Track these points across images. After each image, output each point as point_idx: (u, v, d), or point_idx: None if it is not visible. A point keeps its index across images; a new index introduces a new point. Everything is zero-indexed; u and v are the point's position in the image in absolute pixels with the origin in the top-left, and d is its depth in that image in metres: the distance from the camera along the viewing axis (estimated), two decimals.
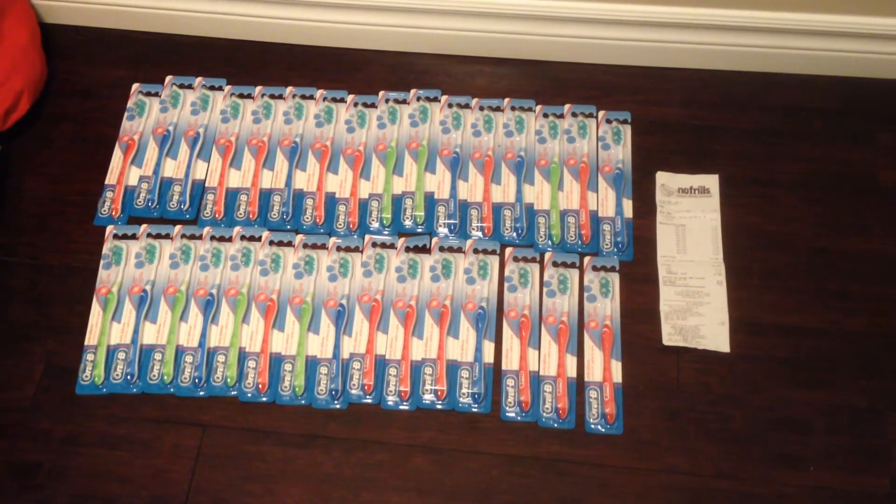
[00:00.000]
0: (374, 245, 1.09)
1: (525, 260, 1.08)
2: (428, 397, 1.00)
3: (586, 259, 1.08)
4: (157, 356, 1.03)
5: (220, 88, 1.21)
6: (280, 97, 1.20)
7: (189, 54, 1.25)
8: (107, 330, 1.04)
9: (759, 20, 1.13)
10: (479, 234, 1.10)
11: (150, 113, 1.19)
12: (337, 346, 1.03)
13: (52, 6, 1.25)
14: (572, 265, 1.08)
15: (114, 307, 1.06)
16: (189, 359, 1.03)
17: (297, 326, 1.04)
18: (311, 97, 1.20)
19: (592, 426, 0.99)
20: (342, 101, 1.20)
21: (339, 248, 1.09)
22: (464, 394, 1.00)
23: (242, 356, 1.03)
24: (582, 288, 1.06)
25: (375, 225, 1.11)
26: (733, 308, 1.05)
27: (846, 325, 1.04)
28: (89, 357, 1.03)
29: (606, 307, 1.05)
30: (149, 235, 1.10)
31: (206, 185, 1.14)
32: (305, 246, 1.09)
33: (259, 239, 1.10)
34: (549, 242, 1.09)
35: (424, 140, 1.16)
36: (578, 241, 1.09)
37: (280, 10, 1.21)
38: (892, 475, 0.96)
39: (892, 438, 0.98)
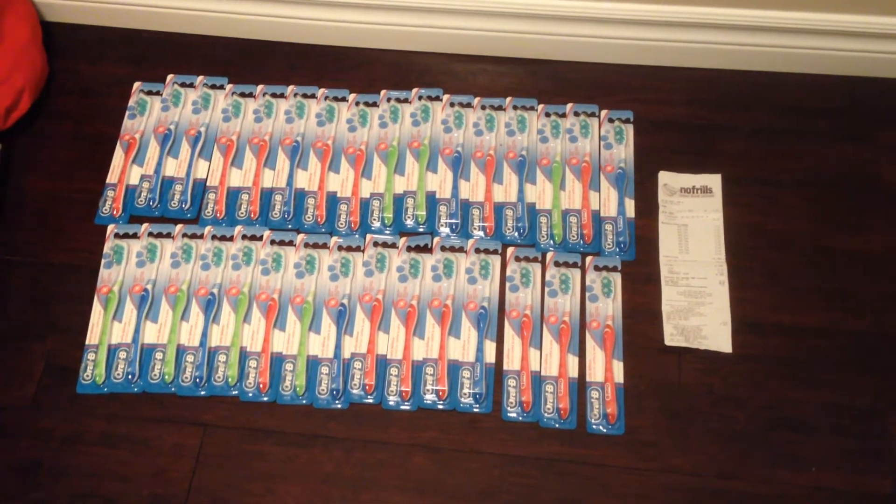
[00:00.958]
0: (376, 244, 1.09)
1: (527, 260, 1.08)
2: (429, 397, 1.00)
3: (588, 259, 1.08)
4: (158, 355, 1.03)
5: (222, 87, 1.21)
6: (281, 96, 1.20)
7: (190, 53, 1.25)
8: (108, 329, 1.04)
9: (762, 19, 1.13)
10: (481, 233, 1.10)
11: (151, 112, 1.19)
12: (338, 346, 1.03)
13: (54, 4, 1.25)
14: (574, 265, 1.07)
15: (115, 306, 1.05)
16: (190, 358, 1.03)
17: (298, 326, 1.04)
18: (313, 96, 1.20)
19: (594, 426, 0.99)
20: (344, 99, 1.20)
21: (340, 248, 1.09)
22: (465, 394, 1.00)
23: (243, 356, 1.03)
24: (584, 288, 1.06)
25: (377, 224, 1.11)
26: (735, 308, 1.04)
27: (848, 324, 1.04)
28: (90, 356, 1.03)
29: (608, 307, 1.05)
30: (150, 234, 1.10)
31: (208, 184, 1.14)
32: (307, 245, 1.09)
33: (260, 238, 1.10)
34: (551, 242, 1.09)
35: (426, 139, 1.16)
36: (580, 241, 1.09)
37: (282, 8, 1.21)
38: (894, 475, 0.96)
39: (894, 438, 0.98)
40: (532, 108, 1.18)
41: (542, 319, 1.04)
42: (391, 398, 1.00)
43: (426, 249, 1.09)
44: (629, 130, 1.16)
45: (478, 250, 1.08)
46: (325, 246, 1.09)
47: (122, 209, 1.12)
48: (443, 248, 1.09)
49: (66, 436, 1.00)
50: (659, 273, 1.07)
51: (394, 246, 1.09)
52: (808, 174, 1.13)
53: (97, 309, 1.06)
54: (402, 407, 1.00)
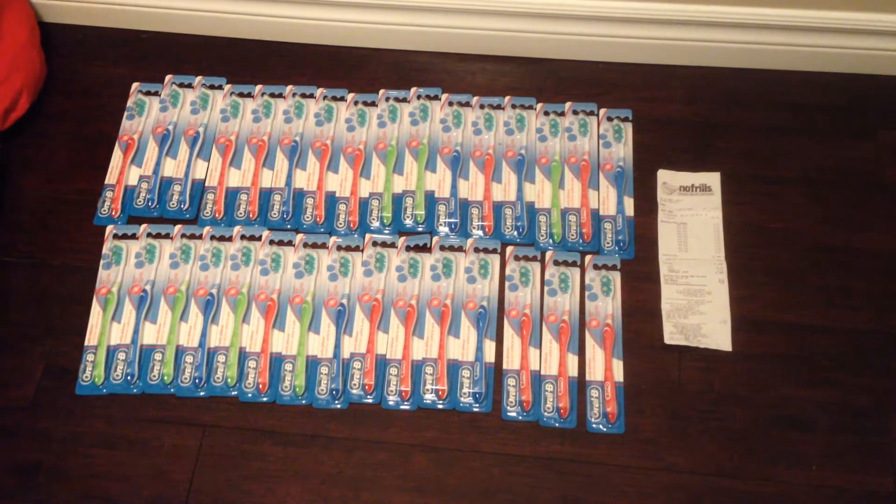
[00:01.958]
0: (375, 244, 1.09)
1: (526, 259, 1.08)
2: (429, 397, 1.00)
3: (587, 257, 1.08)
4: (158, 356, 1.03)
5: (220, 87, 1.21)
6: (280, 96, 1.20)
7: (189, 53, 1.25)
8: (107, 330, 1.04)
9: (762, 17, 1.13)
10: (480, 232, 1.10)
11: (149, 112, 1.19)
12: (337, 346, 1.03)
13: (52, 5, 1.25)
14: (573, 264, 1.07)
15: (114, 307, 1.05)
16: (189, 359, 1.02)
17: (297, 326, 1.04)
18: (312, 96, 1.20)
19: (594, 425, 0.98)
20: (342, 99, 1.19)
21: (339, 248, 1.09)
22: (465, 393, 1.00)
23: (243, 356, 1.03)
24: (583, 287, 1.06)
25: (376, 224, 1.11)
26: (735, 306, 1.04)
27: (849, 322, 1.04)
28: (89, 357, 1.03)
29: (608, 306, 1.05)
30: (149, 235, 1.10)
31: (206, 184, 1.14)
32: (306, 245, 1.09)
33: (259, 238, 1.10)
34: (550, 241, 1.09)
35: (425, 138, 1.16)
36: (579, 240, 1.09)
37: (280, 8, 1.21)
38: (895, 473, 0.96)
39: (894, 436, 0.97)
40: (531, 107, 1.18)
41: (542, 318, 1.04)
42: (391, 398, 1.00)
43: (425, 249, 1.09)
44: (628, 129, 1.16)
45: (477, 249, 1.08)
46: (324, 246, 1.09)
47: (120, 210, 1.12)
48: (442, 248, 1.09)
49: (66, 437, 1.00)
50: (658, 271, 1.07)
51: (393, 245, 1.09)
52: (807, 172, 1.13)
53: (96, 310, 1.06)
54: (402, 407, 1.00)
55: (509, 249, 1.09)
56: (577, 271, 1.07)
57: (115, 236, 1.10)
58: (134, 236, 1.10)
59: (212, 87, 1.21)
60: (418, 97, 1.19)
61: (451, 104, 1.18)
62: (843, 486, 0.95)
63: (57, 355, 1.04)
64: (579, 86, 1.20)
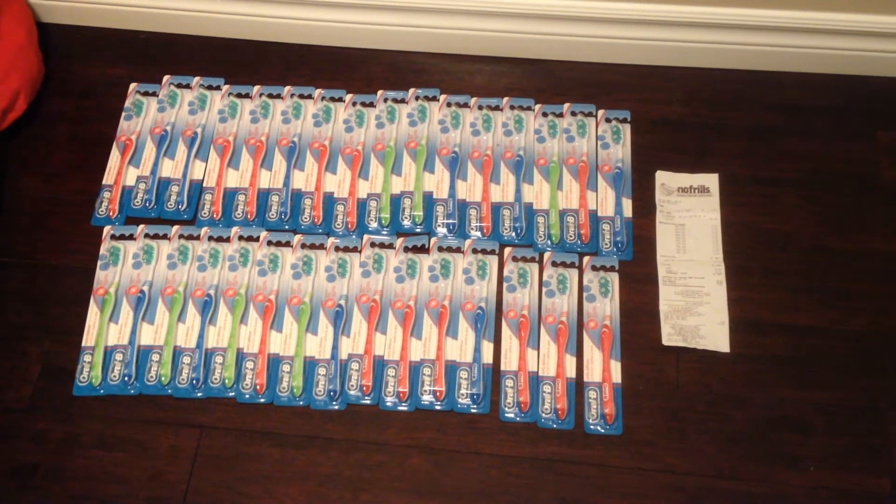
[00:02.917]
0: (373, 245, 1.09)
1: (524, 260, 1.08)
2: (426, 398, 1.00)
3: (585, 259, 1.08)
4: (155, 357, 1.03)
5: (218, 88, 1.21)
6: (278, 97, 1.20)
7: (187, 54, 1.25)
8: (104, 331, 1.04)
9: (760, 18, 1.13)
10: (478, 233, 1.10)
11: (147, 112, 1.19)
12: (335, 347, 1.03)
13: (50, 5, 1.25)
14: (571, 265, 1.07)
15: (111, 308, 1.05)
16: (187, 360, 1.02)
17: (295, 327, 1.04)
18: (310, 97, 1.20)
19: (592, 426, 0.98)
20: (340, 100, 1.19)
21: (337, 249, 1.09)
22: (462, 394, 1.00)
23: (240, 357, 1.03)
24: (581, 288, 1.06)
25: (374, 225, 1.10)
26: (733, 308, 1.04)
27: (847, 324, 1.04)
28: (87, 358, 1.03)
29: (606, 307, 1.05)
30: (146, 236, 1.10)
31: (204, 185, 1.14)
32: (304, 246, 1.09)
33: (257, 239, 1.09)
34: (549, 242, 1.09)
35: (423, 139, 1.16)
36: (578, 241, 1.09)
37: (278, 9, 1.21)
38: (893, 475, 0.96)
39: (892, 438, 0.97)
40: (529, 108, 1.18)
41: (540, 320, 1.04)
42: (388, 399, 1.00)
43: (423, 250, 1.09)
44: (626, 130, 1.16)
45: (475, 250, 1.08)
46: (321, 247, 1.09)
47: (118, 210, 1.12)
48: (440, 249, 1.09)
49: (63, 438, 0.99)
50: (656, 273, 1.07)
51: (391, 246, 1.09)
52: (805, 173, 1.13)
53: (93, 310, 1.06)
54: (400, 408, 1.00)
55: (507, 250, 1.08)
56: (575, 272, 1.07)
57: (113, 237, 1.10)
58: (131, 237, 1.10)
59: (210, 87, 1.21)
60: (416, 98, 1.19)
61: (449, 105, 1.18)
62: (840, 488, 0.95)
63: (54, 356, 1.04)
64: (578, 87, 1.20)
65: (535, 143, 1.15)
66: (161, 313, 1.05)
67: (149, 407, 1.01)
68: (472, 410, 1.00)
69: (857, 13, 1.12)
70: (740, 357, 1.02)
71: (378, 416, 1.00)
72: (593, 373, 1.01)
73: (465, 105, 1.18)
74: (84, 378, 1.02)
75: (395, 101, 1.19)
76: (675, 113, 1.18)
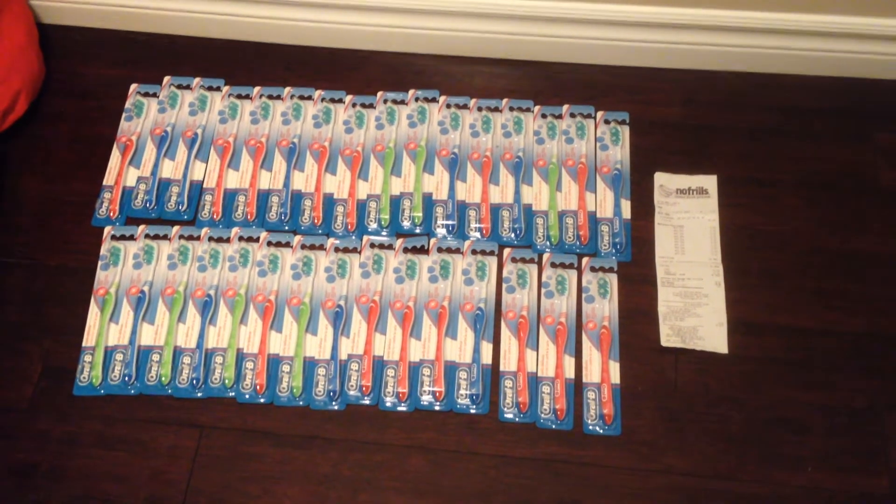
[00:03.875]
0: (373, 246, 1.09)
1: (523, 261, 1.08)
2: (426, 398, 1.00)
3: (584, 260, 1.08)
4: (155, 357, 1.03)
5: (219, 89, 1.21)
6: (278, 98, 1.20)
7: (187, 55, 1.25)
8: (104, 331, 1.04)
9: (758, 21, 1.13)
10: (478, 234, 1.10)
11: (148, 113, 1.19)
12: (335, 347, 1.03)
13: (50, 6, 1.25)
14: (570, 266, 1.08)
15: (111, 308, 1.05)
16: (187, 360, 1.03)
17: (295, 327, 1.04)
18: (310, 98, 1.20)
19: (590, 427, 0.99)
20: (340, 101, 1.20)
21: (337, 249, 1.09)
22: (462, 395, 1.00)
23: (240, 357, 1.03)
24: (580, 289, 1.06)
25: (373, 226, 1.11)
26: (731, 309, 1.05)
27: (845, 325, 1.04)
28: (87, 358, 1.03)
29: (605, 308, 1.05)
30: (147, 236, 1.10)
31: (204, 185, 1.14)
32: (303, 247, 1.09)
33: (257, 240, 1.10)
34: (548, 243, 1.09)
35: (423, 141, 1.16)
36: (577, 242, 1.09)
37: (278, 10, 1.21)
38: (891, 475, 0.96)
39: (890, 438, 0.98)
40: (528, 110, 1.18)
41: (539, 320, 1.04)
42: (388, 399, 1.00)
43: (423, 251, 1.09)
44: (625, 132, 1.16)
45: (474, 251, 1.09)
46: (321, 247, 1.09)
47: (118, 211, 1.12)
48: (439, 250, 1.09)
49: (63, 438, 1.00)
50: (655, 274, 1.07)
51: (390, 247, 1.09)
52: (804, 175, 1.13)
53: (94, 311, 1.06)
54: (399, 408, 1.00)
55: (506, 251, 1.09)
56: (574, 273, 1.07)
57: (113, 237, 1.10)
58: (132, 237, 1.10)
59: (210, 88, 1.21)
60: (416, 99, 1.19)
61: (448, 106, 1.19)
62: (838, 488, 0.95)
63: (55, 356, 1.04)
64: (577, 89, 1.20)
65: (534, 145, 1.16)
66: (161, 313, 1.05)
67: (149, 407, 1.01)
68: (472, 411, 1.00)
69: (854, 15, 1.12)
70: (739, 358, 1.02)
71: (377, 416, 1.00)
72: (592, 373, 1.01)
73: (465, 106, 1.19)
74: (84, 378, 1.02)
75: (395, 102, 1.19)
76: (674, 115, 1.18)
